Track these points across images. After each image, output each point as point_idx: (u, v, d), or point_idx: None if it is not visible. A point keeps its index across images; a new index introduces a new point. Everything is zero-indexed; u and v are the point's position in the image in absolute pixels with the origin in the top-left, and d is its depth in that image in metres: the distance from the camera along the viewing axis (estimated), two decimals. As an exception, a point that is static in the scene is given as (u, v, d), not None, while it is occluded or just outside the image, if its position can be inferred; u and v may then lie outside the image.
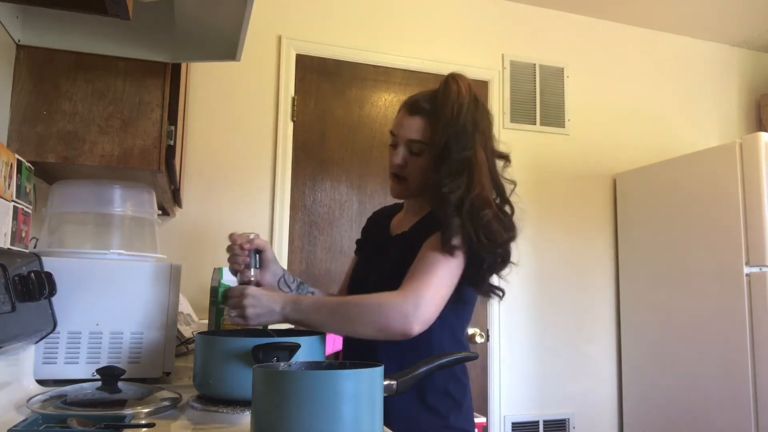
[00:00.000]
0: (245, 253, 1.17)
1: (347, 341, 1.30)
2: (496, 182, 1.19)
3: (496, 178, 1.19)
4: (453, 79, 1.20)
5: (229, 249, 1.19)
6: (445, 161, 1.14)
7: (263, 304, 1.07)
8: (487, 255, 1.11)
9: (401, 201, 1.37)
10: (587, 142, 3.19)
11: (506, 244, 1.14)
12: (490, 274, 1.15)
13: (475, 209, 1.10)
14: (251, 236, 1.19)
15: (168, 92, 1.45)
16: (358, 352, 1.20)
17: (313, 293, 1.31)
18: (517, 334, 2.93)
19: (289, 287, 1.26)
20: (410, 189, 1.25)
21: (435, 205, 1.16)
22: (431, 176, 1.18)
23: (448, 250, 1.09)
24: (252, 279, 1.16)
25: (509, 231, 1.14)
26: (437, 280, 1.08)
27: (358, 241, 1.45)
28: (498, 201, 1.17)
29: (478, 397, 2.84)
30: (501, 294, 1.18)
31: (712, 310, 2.57)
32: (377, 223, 1.41)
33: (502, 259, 1.14)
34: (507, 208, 1.19)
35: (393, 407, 1.10)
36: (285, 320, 1.09)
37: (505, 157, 1.23)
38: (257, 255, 1.19)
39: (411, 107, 1.24)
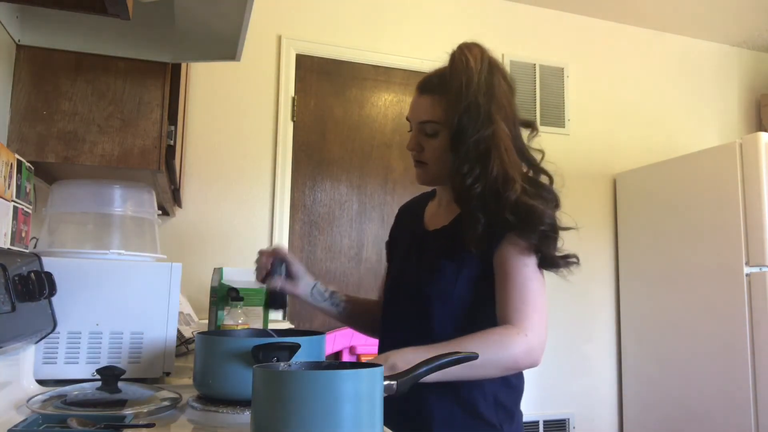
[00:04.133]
0: (268, 260, 1.17)
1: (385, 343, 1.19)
2: (524, 154, 1.09)
3: (523, 150, 1.09)
4: (461, 48, 1.10)
5: (256, 261, 1.19)
6: (462, 144, 1.04)
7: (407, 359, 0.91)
8: (532, 236, 1.01)
9: (428, 190, 1.28)
10: (587, 142, 3.19)
11: (547, 217, 1.02)
12: (548, 251, 1.03)
13: (497, 194, 1.01)
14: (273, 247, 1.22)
15: (168, 92, 1.45)
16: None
17: (343, 301, 1.25)
18: (517, 334, 2.93)
19: (322, 296, 1.22)
20: (432, 174, 1.15)
21: (456, 197, 1.07)
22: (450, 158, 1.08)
23: (475, 245, 1.02)
24: (278, 286, 1.17)
25: (549, 202, 1.05)
26: (539, 298, 1.01)
27: (387, 244, 1.34)
28: (531, 173, 1.08)
29: (478, 397, 2.84)
30: (576, 260, 1.05)
31: (712, 310, 2.57)
32: (407, 218, 1.30)
33: (547, 234, 1.02)
34: (543, 178, 1.09)
35: (440, 417, 1.03)
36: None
37: (531, 125, 1.13)
38: (282, 264, 1.18)
39: (421, 87, 1.16)
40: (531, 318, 0.98)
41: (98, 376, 1.01)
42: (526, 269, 1.01)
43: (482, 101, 1.05)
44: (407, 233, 1.25)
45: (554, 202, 1.06)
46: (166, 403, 0.96)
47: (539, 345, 0.98)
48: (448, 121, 1.07)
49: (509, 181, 1.02)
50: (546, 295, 1.03)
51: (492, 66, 1.10)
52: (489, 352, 0.93)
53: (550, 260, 1.03)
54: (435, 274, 1.08)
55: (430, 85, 1.14)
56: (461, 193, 1.05)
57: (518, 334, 0.96)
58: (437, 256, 1.10)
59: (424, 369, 0.82)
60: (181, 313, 1.77)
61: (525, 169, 1.08)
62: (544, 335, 0.99)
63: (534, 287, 1.01)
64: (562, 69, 3.18)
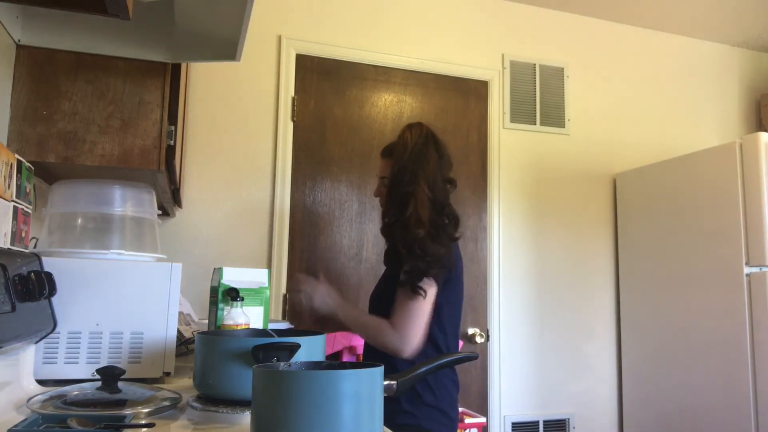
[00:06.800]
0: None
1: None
2: (439, 207, 1.47)
3: (439, 204, 1.47)
4: (406, 127, 1.55)
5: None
6: (391, 194, 1.49)
7: (323, 300, 1.60)
8: (417, 263, 1.42)
9: None
10: (587, 142, 3.19)
11: (435, 254, 1.43)
12: (420, 277, 1.43)
13: (409, 228, 1.42)
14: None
15: (168, 92, 1.45)
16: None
17: None
18: (517, 334, 2.93)
19: None
20: None
21: (381, 229, 1.55)
22: None
23: (385, 262, 1.52)
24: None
25: (444, 246, 1.45)
26: (415, 312, 1.44)
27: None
28: (447, 222, 1.48)
29: (478, 397, 2.84)
30: (423, 294, 1.45)
31: (712, 310, 2.57)
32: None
33: (429, 266, 1.43)
34: (452, 228, 1.49)
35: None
36: (335, 315, 1.59)
37: (452, 182, 1.55)
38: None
39: (382, 152, 1.65)
40: (404, 326, 1.45)
41: (98, 376, 1.01)
42: (411, 292, 1.44)
43: (410, 166, 1.47)
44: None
45: (448, 246, 1.48)
46: (166, 403, 0.96)
47: (404, 345, 1.44)
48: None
49: (418, 223, 1.43)
50: (426, 309, 1.46)
51: (427, 140, 1.51)
52: (375, 333, 1.50)
53: (407, 282, 1.44)
54: (377, 293, 1.62)
55: (386, 151, 1.62)
56: (385, 227, 1.52)
57: (393, 333, 1.46)
58: (383, 280, 1.64)
59: (424, 369, 0.83)
60: (181, 313, 1.77)
61: (445, 221, 1.48)
62: (413, 339, 1.44)
63: (413, 306, 1.45)
64: (562, 69, 3.18)
